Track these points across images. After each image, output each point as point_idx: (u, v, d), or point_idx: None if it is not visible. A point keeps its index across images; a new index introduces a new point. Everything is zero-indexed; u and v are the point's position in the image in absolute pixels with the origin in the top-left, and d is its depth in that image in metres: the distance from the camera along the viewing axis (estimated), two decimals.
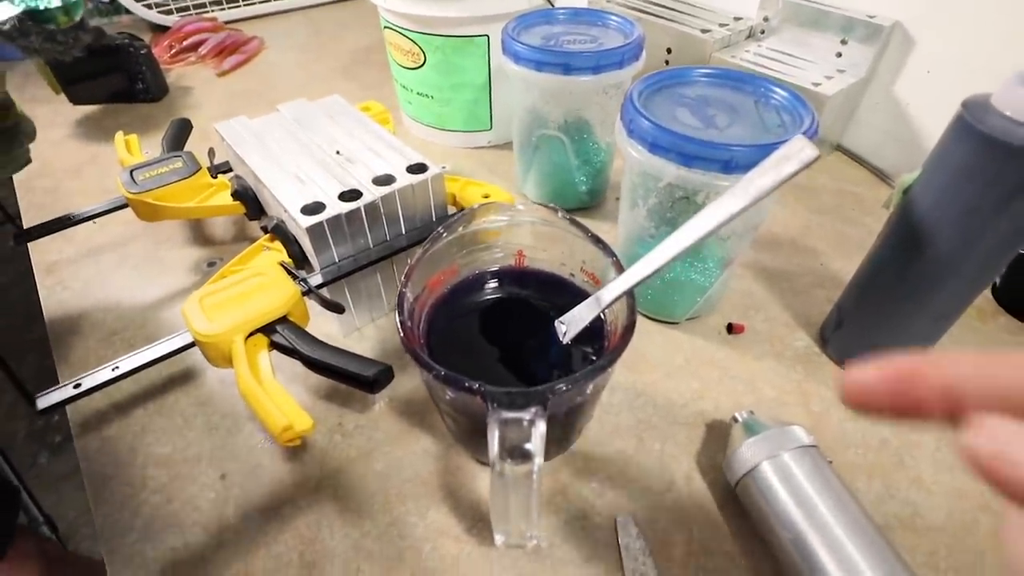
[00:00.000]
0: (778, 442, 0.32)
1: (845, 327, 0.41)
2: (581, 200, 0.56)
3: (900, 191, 0.35)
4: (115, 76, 0.76)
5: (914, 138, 0.59)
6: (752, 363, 0.43)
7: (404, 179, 0.41)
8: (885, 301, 0.38)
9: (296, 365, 0.37)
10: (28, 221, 0.58)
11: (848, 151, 0.65)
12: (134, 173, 0.48)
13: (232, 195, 0.47)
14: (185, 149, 0.53)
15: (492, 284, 0.37)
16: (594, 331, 0.34)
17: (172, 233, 0.56)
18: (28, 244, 0.54)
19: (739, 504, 0.34)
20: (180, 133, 0.55)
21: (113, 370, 0.35)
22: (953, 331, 0.38)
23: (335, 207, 0.38)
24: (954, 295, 0.36)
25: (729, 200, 0.28)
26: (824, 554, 0.28)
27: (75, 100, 0.75)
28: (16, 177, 0.65)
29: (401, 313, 0.30)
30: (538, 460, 0.25)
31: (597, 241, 0.33)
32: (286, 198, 0.39)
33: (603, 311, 0.32)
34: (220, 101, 0.79)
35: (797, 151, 0.27)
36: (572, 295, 0.36)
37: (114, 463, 0.38)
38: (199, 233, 0.56)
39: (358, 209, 0.39)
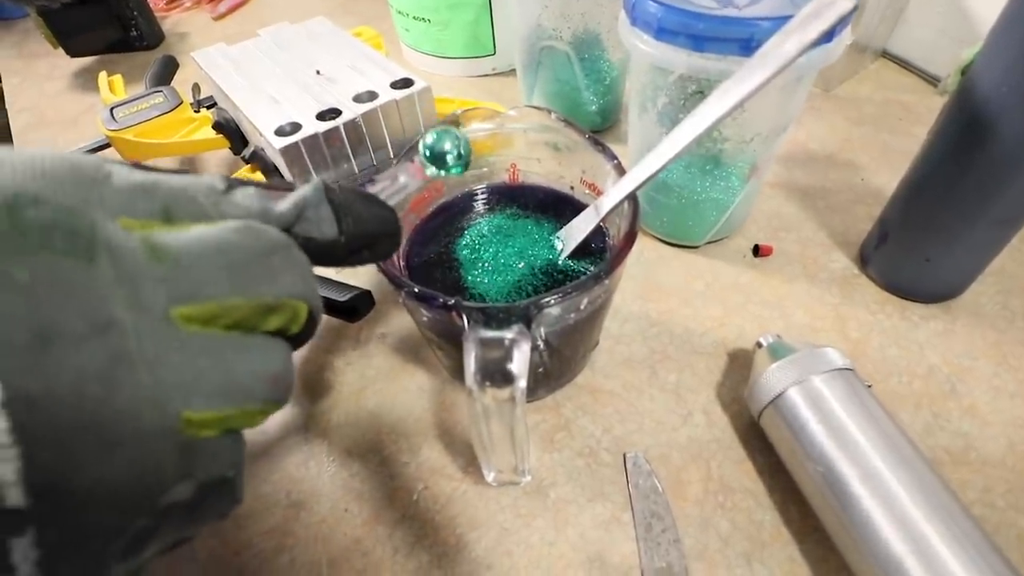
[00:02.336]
0: (807, 365, 0.28)
1: (890, 242, 0.36)
2: (592, 122, 0.51)
3: (958, 71, 0.30)
4: (109, 26, 0.73)
5: (974, 34, 0.51)
6: (781, 287, 0.39)
7: (387, 95, 0.37)
8: (938, 207, 0.33)
9: None
10: None
11: (896, 57, 0.58)
12: (114, 111, 0.46)
13: (213, 127, 0.44)
14: (171, 86, 0.50)
15: (483, 202, 0.34)
16: (598, 249, 0.30)
17: None
18: None
19: (764, 438, 0.31)
20: (163, 70, 0.52)
21: None
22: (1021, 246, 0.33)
23: (312, 126, 0.35)
24: (1022, 194, 0.30)
25: (746, 75, 0.23)
26: (860, 488, 0.25)
27: (72, 52, 0.73)
28: (14, 131, 0.63)
29: None
30: (521, 384, 0.22)
31: (596, 143, 0.29)
32: (261, 121, 0.36)
33: (602, 220, 0.28)
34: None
35: (828, 5, 0.22)
36: (573, 210, 0.32)
37: None
38: None
39: (337, 128, 0.35)
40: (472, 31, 0.58)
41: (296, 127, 0.35)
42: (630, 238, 0.25)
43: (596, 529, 0.29)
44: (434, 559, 0.28)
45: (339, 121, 0.35)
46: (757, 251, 0.40)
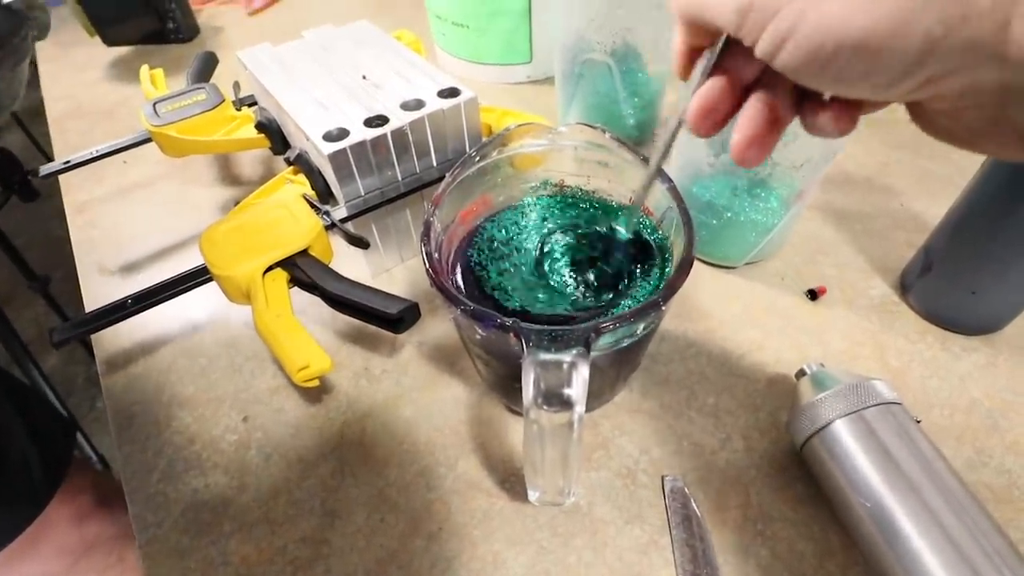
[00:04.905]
0: (855, 397, 0.28)
1: (934, 272, 0.36)
2: (629, 134, 0.51)
3: None
4: (146, 15, 0.74)
5: None
6: (819, 312, 0.38)
7: (434, 104, 0.37)
8: (989, 238, 0.32)
9: (320, 308, 0.35)
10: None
11: None
12: (157, 106, 0.46)
13: (256, 127, 0.44)
14: (212, 83, 0.50)
15: (531, 217, 0.33)
16: (646, 271, 0.30)
17: (199, 173, 0.54)
18: (61, 182, 0.53)
19: (805, 467, 0.30)
20: (205, 67, 0.52)
21: (126, 304, 0.33)
22: None
23: (360, 133, 0.35)
24: None
25: None
26: (910, 527, 0.24)
27: (108, 41, 0.74)
28: (50, 119, 0.64)
29: (427, 243, 0.27)
30: (579, 409, 0.22)
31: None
32: (308, 125, 0.36)
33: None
34: (251, 40, 0.75)
35: None
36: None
37: (139, 401, 0.37)
38: (226, 173, 0.54)
39: (384, 135, 0.35)
40: (510, 39, 0.58)
41: (344, 133, 0.35)
42: (686, 265, 0.25)
43: (634, 552, 0.29)
44: (472, 575, 0.28)
45: (387, 128, 0.35)
46: (814, 296, 0.39)
